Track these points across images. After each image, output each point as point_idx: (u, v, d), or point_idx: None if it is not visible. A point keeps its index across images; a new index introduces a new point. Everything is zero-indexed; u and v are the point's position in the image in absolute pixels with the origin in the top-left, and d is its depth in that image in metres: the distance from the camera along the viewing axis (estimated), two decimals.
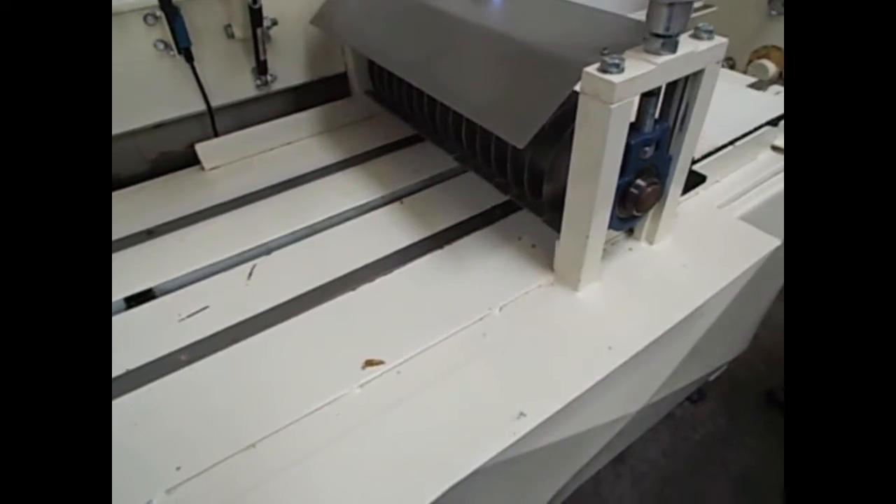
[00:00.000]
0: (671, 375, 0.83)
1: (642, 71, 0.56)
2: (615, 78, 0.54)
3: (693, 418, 1.51)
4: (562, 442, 0.66)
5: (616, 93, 0.54)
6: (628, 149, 0.62)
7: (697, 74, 0.63)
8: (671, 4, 0.55)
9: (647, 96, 0.62)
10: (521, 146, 0.59)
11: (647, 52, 0.58)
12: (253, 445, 0.59)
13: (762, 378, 1.57)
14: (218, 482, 0.56)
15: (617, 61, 0.54)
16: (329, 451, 0.57)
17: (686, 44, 0.59)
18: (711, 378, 1.40)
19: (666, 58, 0.57)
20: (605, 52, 0.59)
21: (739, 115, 0.98)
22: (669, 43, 0.57)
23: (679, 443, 1.47)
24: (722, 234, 0.82)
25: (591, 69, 0.56)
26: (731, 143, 0.91)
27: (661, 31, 0.56)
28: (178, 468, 0.57)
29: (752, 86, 1.19)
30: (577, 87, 0.58)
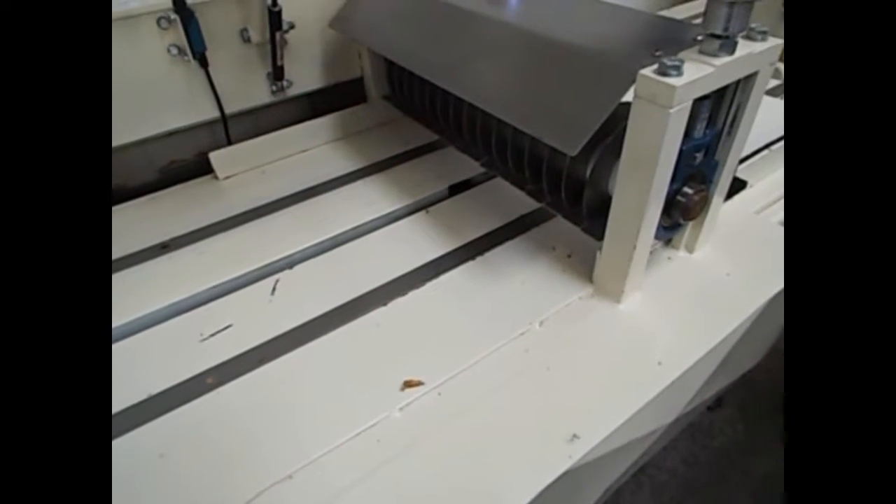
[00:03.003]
0: (703, 385, 0.80)
1: (702, 73, 0.53)
2: (675, 81, 0.51)
3: (711, 425, 1.49)
4: (599, 459, 0.63)
5: (676, 96, 0.51)
6: (679, 155, 0.59)
7: (750, 77, 0.60)
8: (732, 4, 0.52)
9: (700, 99, 0.59)
10: (572, 153, 0.56)
11: (703, 53, 0.55)
12: (290, 476, 0.55)
13: (779, 383, 1.55)
14: None
15: (677, 63, 0.51)
16: (372, 481, 0.54)
17: (741, 45, 0.57)
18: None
19: (724, 59, 0.55)
20: (659, 53, 0.56)
21: (768, 119, 0.96)
22: (728, 44, 0.54)
23: (698, 451, 1.44)
24: (762, 240, 0.79)
25: (648, 72, 0.53)
26: (766, 147, 0.89)
27: (719, 31, 0.53)
28: None
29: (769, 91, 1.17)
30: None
